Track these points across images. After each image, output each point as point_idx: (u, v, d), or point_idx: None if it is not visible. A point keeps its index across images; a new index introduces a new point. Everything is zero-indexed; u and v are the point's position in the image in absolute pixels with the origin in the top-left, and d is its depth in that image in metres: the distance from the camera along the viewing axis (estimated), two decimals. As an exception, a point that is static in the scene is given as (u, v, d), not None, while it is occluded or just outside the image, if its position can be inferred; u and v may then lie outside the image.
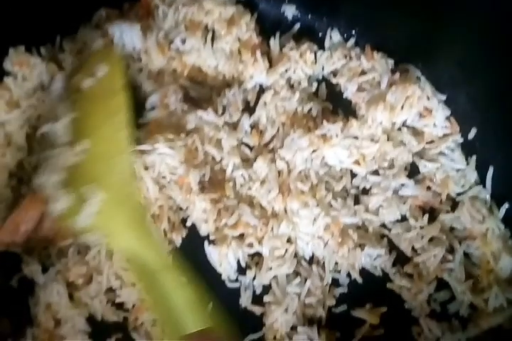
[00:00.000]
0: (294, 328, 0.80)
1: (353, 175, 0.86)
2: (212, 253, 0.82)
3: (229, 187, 0.83)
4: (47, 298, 0.80)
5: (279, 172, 0.84)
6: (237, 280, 0.82)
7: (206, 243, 0.83)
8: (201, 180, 0.83)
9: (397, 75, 0.88)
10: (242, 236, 0.82)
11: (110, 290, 0.82)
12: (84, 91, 0.83)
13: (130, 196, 0.80)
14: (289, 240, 0.82)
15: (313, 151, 0.84)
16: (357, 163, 0.84)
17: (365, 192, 0.85)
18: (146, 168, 0.84)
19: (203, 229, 0.83)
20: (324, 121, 0.85)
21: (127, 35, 0.88)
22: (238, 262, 0.82)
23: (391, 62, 0.90)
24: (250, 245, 0.81)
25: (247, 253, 0.82)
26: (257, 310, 0.81)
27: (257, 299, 0.81)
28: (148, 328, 0.81)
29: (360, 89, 0.89)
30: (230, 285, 0.82)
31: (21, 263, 0.83)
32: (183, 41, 0.91)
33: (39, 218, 0.78)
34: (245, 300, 0.81)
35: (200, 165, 0.84)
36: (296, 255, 0.83)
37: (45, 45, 0.90)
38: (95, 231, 0.78)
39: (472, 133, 0.86)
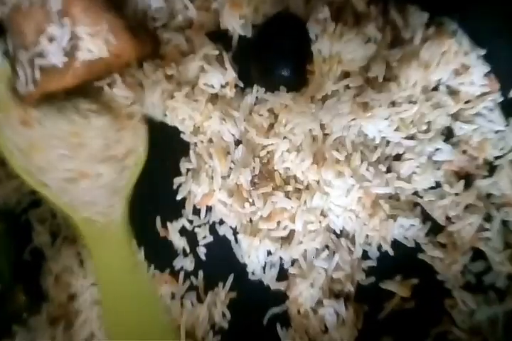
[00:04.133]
0: (319, 302, 0.77)
1: (388, 142, 0.80)
2: (242, 241, 0.78)
3: (278, 176, 0.79)
4: (56, 270, 0.78)
5: (314, 139, 0.79)
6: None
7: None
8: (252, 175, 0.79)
9: (432, 29, 0.80)
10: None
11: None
12: None
13: None
14: (321, 213, 0.78)
15: (353, 119, 0.77)
16: (397, 129, 0.78)
17: (398, 157, 0.80)
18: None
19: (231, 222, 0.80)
20: (369, 89, 0.78)
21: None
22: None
23: (425, 15, 0.81)
24: (285, 228, 0.77)
25: (279, 244, 0.78)
26: (281, 285, 0.78)
27: (283, 273, 0.79)
28: (168, 301, 0.78)
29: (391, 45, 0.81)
30: (252, 278, 0.79)
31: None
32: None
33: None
34: (269, 278, 0.78)
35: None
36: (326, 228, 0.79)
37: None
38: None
39: (514, 92, 0.79)
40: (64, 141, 0.74)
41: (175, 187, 0.81)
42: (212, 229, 0.80)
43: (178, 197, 0.81)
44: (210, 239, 0.80)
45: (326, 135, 0.79)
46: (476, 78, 0.80)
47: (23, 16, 0.73)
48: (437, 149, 0.79)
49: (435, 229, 0.78)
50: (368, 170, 0.78)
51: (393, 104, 0.79)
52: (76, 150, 0.74)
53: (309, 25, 0.79)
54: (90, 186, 0.74)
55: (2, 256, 0.78)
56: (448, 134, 0.80)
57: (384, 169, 0.79)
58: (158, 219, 0.81)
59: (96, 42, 0.74)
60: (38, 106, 0.75)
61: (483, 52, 0.80)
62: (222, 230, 0.80)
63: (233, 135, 0.81)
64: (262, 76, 0.81)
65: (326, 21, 0.79)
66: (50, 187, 0.73)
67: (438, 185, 0.79)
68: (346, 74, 0.80)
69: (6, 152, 0.73)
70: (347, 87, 0.79)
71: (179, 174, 0.81)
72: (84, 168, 0.74)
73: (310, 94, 0.80)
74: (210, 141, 0.81)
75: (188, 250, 0.80)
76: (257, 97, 0.82)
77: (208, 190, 0.79)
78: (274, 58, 0.79)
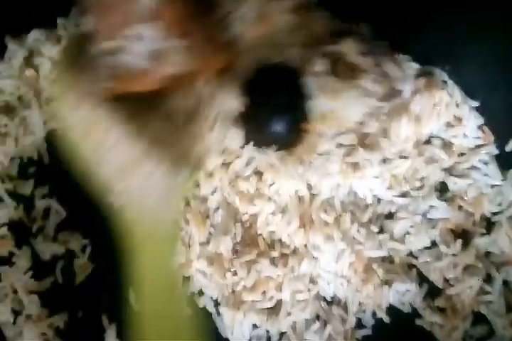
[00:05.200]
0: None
1: (379, 201, 0.75)
2: (225, 315, 0.72)
3: (262, 240, 0.73)
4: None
5: (300, 200, 0.74)
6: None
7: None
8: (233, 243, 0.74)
9: (422, 81, 0.76)
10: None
11: None
12: None
13: None
14: (310, 280, 0.73)
15: (342, 179, 0.73)
16: (389, 187, 0.74)
17: (390, 216, 0.75)
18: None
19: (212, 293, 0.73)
20: (360, 149, 0.73)
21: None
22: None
23: (415, 65, 0.77)
24: (271, 298, 0.72)
25: (265, 316, 0.72)
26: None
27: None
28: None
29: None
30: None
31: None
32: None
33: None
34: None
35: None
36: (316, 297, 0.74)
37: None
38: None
39: (510, 144, 0.76)
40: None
41: (150, 256, 0.74)
42: (191, 301, 0.74)
43: (153, 268, 0.74)
44: (188, 312, 0.73)
45: (313, 195, 0.74)
46: (470, 130, 0.77)
47: (107, 4, 0.65)
48: (432, 206, 0.75)
49: (433, 292, 0.74)
50: (359, 231, 0.74)
51: (384, 160, 0.75)
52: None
53: (305, 79, 0.73)
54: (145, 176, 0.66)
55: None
56: (442, 189, 0.76)
57: (376, 230, 0.74)
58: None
59: (186, 54, 0.65)
60: None
61: (475, 104, 0.77)
62: (201, 302, 0.74)
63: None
64: (254, 134, 0.74)
65: (322, 75, 0.73)
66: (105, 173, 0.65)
67: (434, 244, 0.75)
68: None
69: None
70: (339, 145, 0.75)
71: (154, 241, 0.75)
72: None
73: (300, 153, 0.74)
74: (187, 204, 0.75)
75: (166, 325, 0.73)
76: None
77: (186, 260, 0.73)
78: (267, 115, 0.73)
